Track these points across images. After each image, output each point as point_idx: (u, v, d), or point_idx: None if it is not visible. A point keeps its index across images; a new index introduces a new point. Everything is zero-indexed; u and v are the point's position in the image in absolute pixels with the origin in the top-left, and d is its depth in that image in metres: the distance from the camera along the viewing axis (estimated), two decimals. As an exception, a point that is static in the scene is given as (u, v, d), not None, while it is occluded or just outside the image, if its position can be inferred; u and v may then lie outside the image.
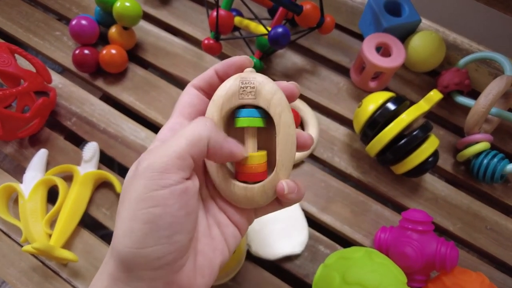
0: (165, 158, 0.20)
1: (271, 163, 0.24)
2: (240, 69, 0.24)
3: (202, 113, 0.24)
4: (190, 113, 0.24)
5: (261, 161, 0.23)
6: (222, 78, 0.24)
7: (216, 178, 0.24)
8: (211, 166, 0.24)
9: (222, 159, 0.23)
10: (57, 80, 0.49)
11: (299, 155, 0.43)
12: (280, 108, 0.23)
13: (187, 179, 0.21)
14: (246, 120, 0.23)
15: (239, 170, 0.24)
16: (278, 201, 0.25)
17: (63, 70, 0.52)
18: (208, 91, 0.25)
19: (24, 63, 0.49)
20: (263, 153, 0.24)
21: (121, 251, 0.19)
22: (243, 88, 0.23)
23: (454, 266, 0.33)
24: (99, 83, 0.49)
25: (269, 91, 0.23)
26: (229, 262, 0.34)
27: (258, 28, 0.42)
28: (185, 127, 0.21)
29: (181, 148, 0.20)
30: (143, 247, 0.19)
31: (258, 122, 0.23)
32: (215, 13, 0.40)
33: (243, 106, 0.23)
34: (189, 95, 0.25)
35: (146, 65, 0.51)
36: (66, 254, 0.38)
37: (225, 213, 0.24)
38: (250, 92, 0.23)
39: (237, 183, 0.23)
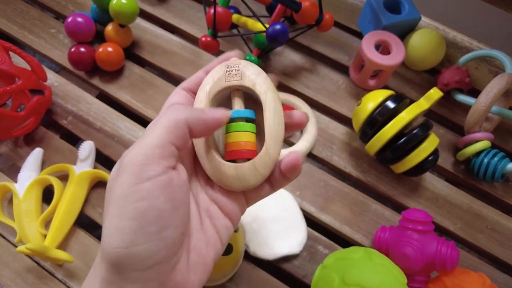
0: (144, 149, 0.19)
1: (260, 145, 0.24)
2: None
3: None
4: None
5: (249, 138, 0.23)
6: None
7: (206, 162, 0.24)
8: (200, 150, 0.24)
9: (209, 130, 0.22)
10: (53, 79, 0.49)
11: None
12: (265, 86, 0.23)
13: (173, 169, 0.20)
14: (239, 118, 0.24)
15: (228, 150, 0.23)
16: (270, 184, 0.24)
17: (60, 69, 0.52)
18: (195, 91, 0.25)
19: (19, 61, 0.48)
20: (251, 127, 0.24)
21: (110, 252, 0.19)
22: (229, 71, 0.24)
23: (454, 267, 0.33)
24: (96, 81, 0.49)
25: (253, 72, 0.23)
26: (227, 262, 0.34)
27: (256, 25, 0.41)
28: (160, 117, 0.21)
29: (159, 136, 0.20)
30: (132, 246, 0.18)
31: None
32: (212, 10, 0.40)
33: (230, 93, 0.24)
34: (178, 95, 0.25)
35: (143, 63, 0.51)
36: (61, 254, 0.37)
37: (217, 203, 0.24)
38: (236, 74, 0.23)
39: (227, 163, 0.23)
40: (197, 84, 0.25)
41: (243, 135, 0.23)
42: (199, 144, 0.24)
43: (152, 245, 0.19)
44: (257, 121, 0.24)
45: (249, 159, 0.23)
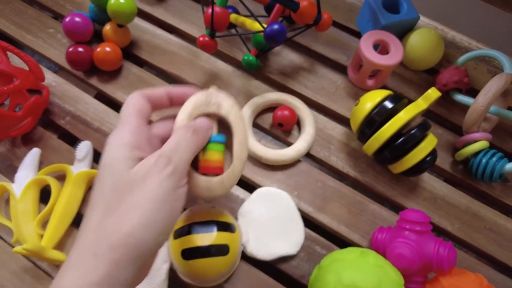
0: (180, 163, 0.25)
1: (228, 160, 0.31)
2: (188, 96, 0.29)
3: (143, 112, 0.27)
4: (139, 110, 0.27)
5: (219, 157, 0.29)
6: (173, 98, 0.29)
7: None
8: None
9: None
10: (51, 78, 0.49)
11: (295, 154, 0.42)
12: (237, 117, 0.30)
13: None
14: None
15: (200, 165, 0.29)
16: None
17: (58, 69, 0.51)
18: (154, 102, 0.28)
19: (17, 61, 0.48)
20: (221, 148, 0.29)
21: (142, 239, 0.22)
22: (209, 100, 0.29)
23: (452, 267, 0.33)
24: (94, 81, 0.48)
25: (229, 104, 0.30)
26: (223, 263, 0.34)
27: (254, 25, 0.41)
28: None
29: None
30: (162, 235, 0.23)
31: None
32: (210, 10, 0.39)
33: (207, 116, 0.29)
34: (136, 96, 0.27)
35: (141, 63, 0.51)
36: (57, 255, 0.37)
37: None
38: (214, 104, 0.29)
39: (200, 176, 0.28)
40: (156, 97, 0.28)
41: (214, 155, 0.29)
42: None
43: (167, 236, 0.24)
44: (227, 142, 0.30)
45: (216, 174, 0.29)
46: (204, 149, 0.29)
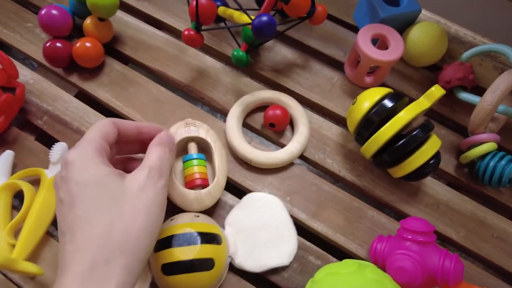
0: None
1: (211, 178, 0.36)
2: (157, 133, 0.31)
3: (108, 136, 0.28)
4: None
5: (203, 171, 0.35)
6: (142, 132, 0.31)
7: (171, 191, 0.33)
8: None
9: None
10: (28, 76, 0.45)
11: (288, 156, 0.39)
12: (215, 137, 0.37)
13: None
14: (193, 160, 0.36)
15: (187, 180, 0.34)
16: None
17: (38, 66, 0.48)
18: (121, 130, 0.30)
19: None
20: (203, 163, 0.35)
21: (147, 243, 0.25)
22: (188, 126, 0.36)
23: (458, 283, 0.30)
24: (74, 78, 0.45)
25: (205, 128, 0.37)
26: (208, 279, 0.31)
27: (242, 18, 0.38)
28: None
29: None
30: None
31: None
32: (195, 2, 0.37)
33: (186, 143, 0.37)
34: (104, 122, 0.29)
35: (124, 59, 0.48)
36: (30, 267, 0.34)
37: None
38: (193, 129, 0.36)
39: (189, 190, 0.34)
40: (126, 127, 0.30)
41: (200, 169, 0.35)
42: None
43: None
44: (207, 160, 0.37)
45: (203, 187, 0.34)
46: (185, 166, 0.35)
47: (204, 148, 0.37)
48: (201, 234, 0.31)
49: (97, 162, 0.26)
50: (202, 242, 0.31)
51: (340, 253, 0.38)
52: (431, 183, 0.41)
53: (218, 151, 0.36)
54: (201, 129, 0.36)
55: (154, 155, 0.28)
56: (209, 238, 0.31)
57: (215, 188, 0.34)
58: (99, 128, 0.28)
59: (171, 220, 0.33)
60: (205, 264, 0.30)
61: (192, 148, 0.36)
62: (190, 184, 0.33)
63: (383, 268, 0.32)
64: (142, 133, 0.31)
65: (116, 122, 0.29)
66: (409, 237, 0.32)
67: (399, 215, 0.39)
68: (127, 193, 0.25)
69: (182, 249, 0.30)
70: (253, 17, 0.36)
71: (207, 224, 0.33)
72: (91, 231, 0.23)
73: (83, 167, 0.25)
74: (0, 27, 0.48)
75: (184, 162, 0.36)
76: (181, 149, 0.38)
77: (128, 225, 0.24)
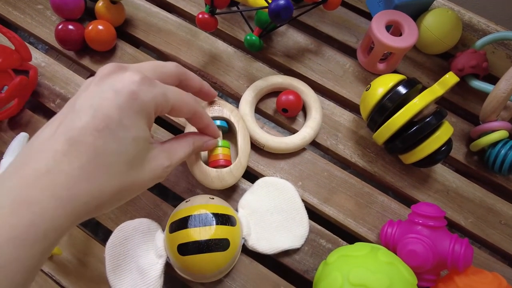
0: None
1: (234, 158, 0.37)
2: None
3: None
4: None
5: (226, 152, 0.35)
6: (201, 91, 0.32)
7: (195, 168, 0.34)
8: (190, 160, 0.35)
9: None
10: (40, 59, 0.45)
11: (300, 142, 0.40)
12: (238, 117, 0.37)
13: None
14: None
15: (210, 160, 0.35)
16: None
17: (48, 48, 0.48)
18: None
19: (3, 40, 0.45)
20: (227, 144, 0.35)
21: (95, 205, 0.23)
22: (212, 106, 0.37)
23: (468, 266, 0.30)
24: (86, 62, 0.45)
25: (229, 108, 0.37)
26: (223, 259, 0.31)
27: (258, 1, 0.38)
28: None
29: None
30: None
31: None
32: (210, -16, 0.36)
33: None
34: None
35: (136, 42, 0.47)
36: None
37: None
38: (217, 109, 0.36)
39: (212, 168, 0.34)
40: (193, 83, 0.31)
41: (222, 151, 0.34)
42: (191, 157, 0.34)
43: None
44: (230, 140, 0.38)
45: (225, 166, 0.35)
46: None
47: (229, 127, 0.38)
48: (216, 215, 0.32)
49: (144, 127, 0.24)
50: (217, 223, 0.31)
51: (351, 237, 0.39)
52: (441, 170, 0.41)
53: (241, 131, 0.36)
54: (225, 109, 0.36)
55: (182, 152, 0.28)
56: (224, 220, 0.32)
57: (237, 167, 0.35)
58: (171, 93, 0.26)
59: (187, 202, 0.34)
60: (220, 245, 0.31)
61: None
62: (214, 164, 0.34)
63: (393, 251, 0.33)
64: (201, 92, 0.31)
65: (182, 76, 0.29)
66: (420, 221, 0.32)
67: (408, 201, 0.40)
68: (138, 169, 0.24)
69: (199, 230, 0.30)
70: (270, 1, 0.35)
71: (222, 206, 0.33)
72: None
73: (131, 123, 0.23)
74: (10, 8, 0.48)
75: None
76: None
77: (112, 180, 0.23)
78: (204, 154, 0.37)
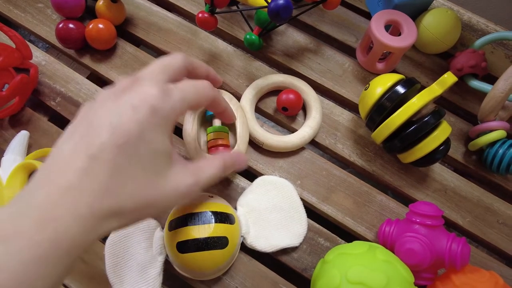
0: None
1: (232, 145, 0.38)
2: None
3: None
4: None
5: (225, 137, 0.36)
6: (208, 77, 0.31)
7: (195, 156, 0.35)
8: (190, 148, 0.36)
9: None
10: (40, 57, 0.46)
11: (299, 141, 0.40)
12: (237, 106, 0.39)
13: None
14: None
15: (209, 146, 0.36)
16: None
17: (49, 47, 0.48)
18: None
19: (3, 38, 0.46)
20: (226, 130, 0.36)
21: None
22: None
23: (465, 265, 0.31)
24: (86, 60, 0.46)
25: (228, 97, 0.39)
26: (222, 256, 0.32)
27: (257, 0, 0.38)
28: None
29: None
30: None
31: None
32: (210, -17, 0.36)
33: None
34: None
35: (136, 41, 0.48)
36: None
37: None
38: None
39: (210, 155, 0.35)
40: (200, 72, 0.30)
41: (222, 136, 0.36)
42: (190, 144, 0.36)
43: None
44: (231, 130, 0.39)
45: None
46: (211, 133, 0.36)
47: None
48: (215, 213, 0.32)
49: (165, 140, 0.24)
50: (216, 221, 0.32)
51: (349, 236, 0.39)
52: (439, 170, 0.41)
53: (240, 119, 0.38)
54: (225, 97, 0.37)
55: (211, 171, 0.26)
56: (223, 218, 0.32)
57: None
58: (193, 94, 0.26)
59: (186, 200, 0.34)
60: (219, 242, 0.31)
61: (217, 121, 0.37)
62: (213, 151, 0.35)
63: (391, 250, 0.33)
64: (207, 78, 0.30)
65: (189, 67, 0.28)
66: (418, 220, 0.33)
67: (407, 200, 0.40)
68: (159, 185, 0.24)
69: (198, 227, 0.31)
70: (269, 0, 0.36)
71: (221, 204, 0.33)
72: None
73: (155, 131, 0.23)
74: (11, 6, 0.48)
75: (208, 133, 0.36)
76: (205, 117, 0.39)
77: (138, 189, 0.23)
78: (204, 146, 0.38)
